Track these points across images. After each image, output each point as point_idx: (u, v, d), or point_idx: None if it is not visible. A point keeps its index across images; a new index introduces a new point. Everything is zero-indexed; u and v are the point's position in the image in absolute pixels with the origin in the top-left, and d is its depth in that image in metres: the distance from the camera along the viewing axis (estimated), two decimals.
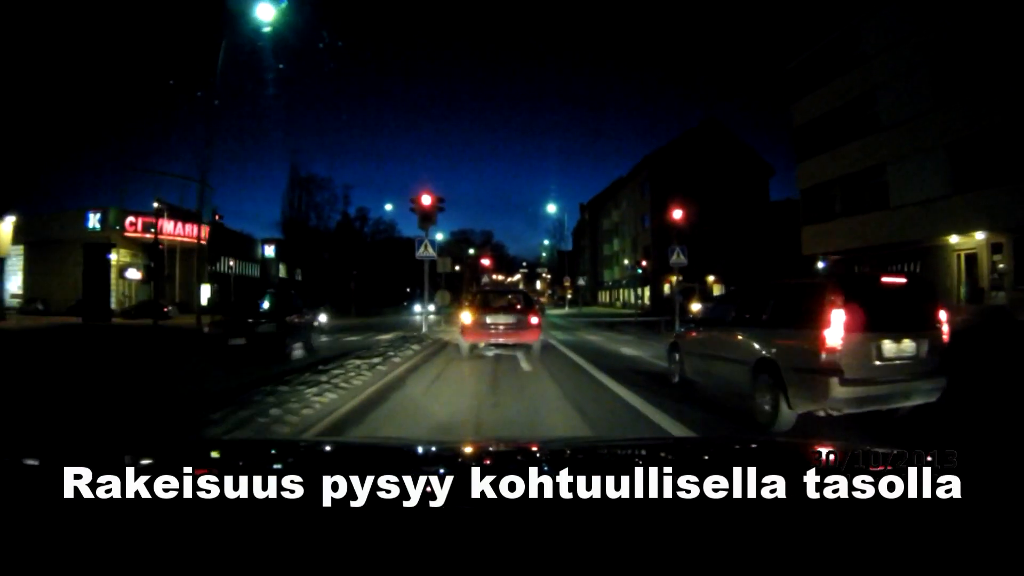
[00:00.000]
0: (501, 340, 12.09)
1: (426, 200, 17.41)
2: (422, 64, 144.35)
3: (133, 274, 49.05)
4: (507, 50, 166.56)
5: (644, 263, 37.68)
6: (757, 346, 6.17)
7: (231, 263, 44.83)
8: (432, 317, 24.52)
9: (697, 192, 41.33)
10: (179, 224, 49.29)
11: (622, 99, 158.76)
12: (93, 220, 49.51)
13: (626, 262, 57.77)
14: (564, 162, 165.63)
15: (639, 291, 50.57)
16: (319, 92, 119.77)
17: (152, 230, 49.49)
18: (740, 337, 6.65)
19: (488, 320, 11.98)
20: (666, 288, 46.55)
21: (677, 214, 19.75)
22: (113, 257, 48.20)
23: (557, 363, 11.60)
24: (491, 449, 2.25)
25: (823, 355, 5.31)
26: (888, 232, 23.55)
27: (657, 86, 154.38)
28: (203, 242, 51.06)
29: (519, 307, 12.85)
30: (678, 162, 45.91)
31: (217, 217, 37.00)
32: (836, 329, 5.31)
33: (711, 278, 43.74)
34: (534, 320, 12.10)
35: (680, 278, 22.57)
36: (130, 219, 49.05)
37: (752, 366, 6.10)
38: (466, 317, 12.07)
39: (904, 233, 22.80)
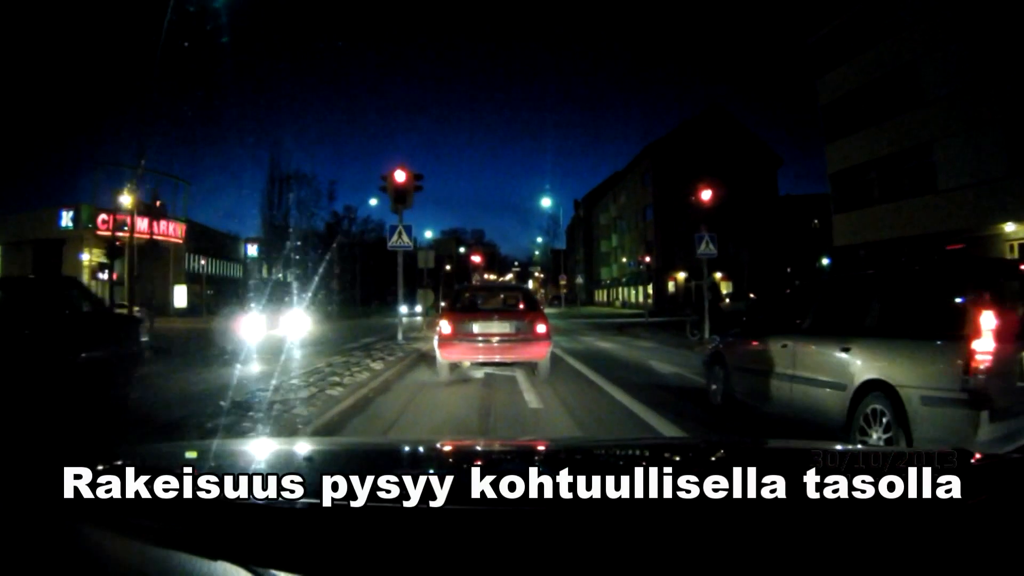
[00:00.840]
0: (496, 358, 8.33)
1: (400, 176, 13.58)
2: (411, 60, 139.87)
3: (106, 275, 45.67)
4: (498, 45, 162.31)
5: (648, 259, 34.06)
6: (859, 363, 4.62)
7: (202, 261, 40.74)
8: (419, 319, 20.75)
9: (702, 183, 37.75)
10: (153, 221, 45.79)
11: (617, 93, 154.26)
12: (66, 218, 46.45)
13: (624, 259, 54.07)
14: (557, 160, 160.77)
15: (641, 289, 46.92)
16: (304, 87, 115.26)
17: (124, 228, 46.08)
18: (828, 351, 4.98)
19: (476, 328, 8.21)
20: (671, 285, 43.00)
21: (705, 195, 16.01)
22: (85, 257, 44.82)
23: (576, 390, 7.89)
24: (491, 449, 2.19)
25: (968, 378, 3.80)
26: (934, 219, 20.36)
27: (654, 80, 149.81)
28: (177, 240, 47.41)
29: (519, 309, 9.09)
30: (682, 151, 42.16)
31: (157, 204, 32.93)
32: (986, 340, 3.83)
33: (719, 275, 40.19)
34: (541, 328, 8.32)
35: (682, 274, 18.97)
36: (102, 217, 44.97)
37: (852, 392, 4.59)
38: (444, 324, 8.28)
39: (953, 220, 19.52)
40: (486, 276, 71.99)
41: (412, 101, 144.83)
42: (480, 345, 8.11)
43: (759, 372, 5.76)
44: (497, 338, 8.13)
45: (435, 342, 8.37)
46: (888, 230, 21.93)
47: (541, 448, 2.15)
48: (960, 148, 19.32)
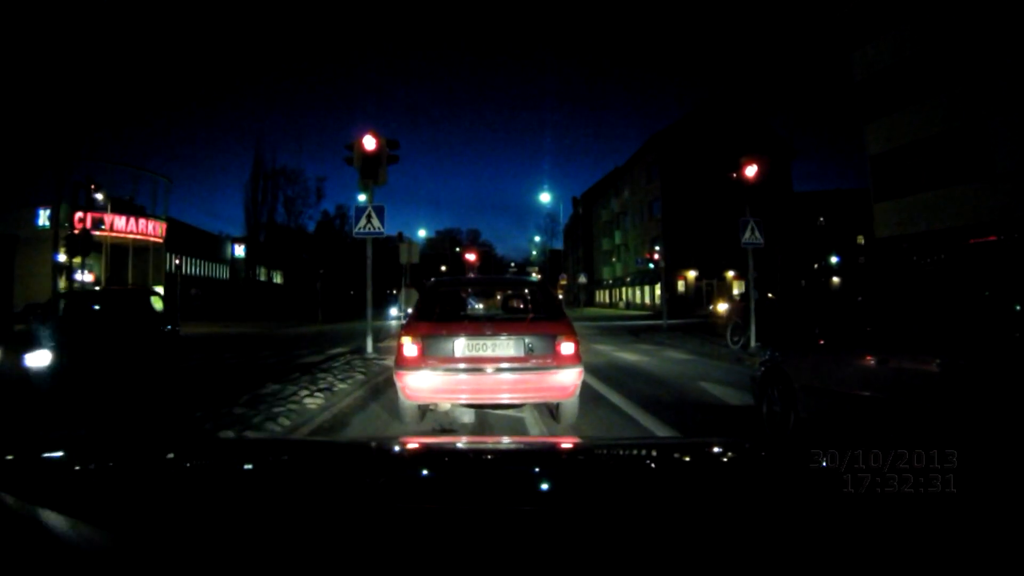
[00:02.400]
0: (497, 397, 5.06)
1: (369, 143, 10.39)
2: (407, 57, 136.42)
3: (83, 276, 42.45)
4: (494, 44, 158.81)
5: (656, 256, 30.86)
6: None
7: (176, 261, 37.49)
8: (394, 323, 17.43)
9: (712, 176, 34.51)
10: (131, 220, 42.60)
11: (616, 89, 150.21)
12: (43, 217, 43.47)
13: (627, 258, 50.77)
14: (554, 160, 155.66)
15: (647, 289, 43.59)
16: (294, 83, 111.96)
17: (100, 226, 42.82)
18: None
19: (460, 349, 4.96)
20: (680, 285, 39.74)
21: (750, 171, 12.83)
22: (61, 258, 41.70)
23: None
24: (491, 448, 2.05)
25: None
26: (993, 207, 17.25)
27: (654, 75, 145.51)
28: (157, 239, 44.11)
29: (530, 315, 5.86)
30: (690, 142, 38.88)
31: (92, 187, 29.79)
32: None
33: (731, 274, 37.07)
34: (567, 347, 4.98)
35: (692, 273, 15.56)
36: (78, 215, 41.53)
37: None
38: (407, 343, 4.98)
39: (1013, 208, 16.58)
40: None
41: (407, 99, 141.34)
42: (467, 377, 4.86)
43: (857, 399, 4.32)
44: (496, 365, 4.88)
45: (394, 371, 5.11)
46: (940, 220, 18.90)
47: (542, 447, 2.10)
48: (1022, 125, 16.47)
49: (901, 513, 1.01)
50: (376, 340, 11.79)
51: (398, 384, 5.03)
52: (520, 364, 4.88)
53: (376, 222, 10.26)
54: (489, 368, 4.86)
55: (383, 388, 7.47)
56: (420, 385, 4.89)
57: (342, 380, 7.51)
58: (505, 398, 4.99)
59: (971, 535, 0.97)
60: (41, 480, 1.13)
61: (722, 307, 31.48)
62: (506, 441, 2.41)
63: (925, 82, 18.99)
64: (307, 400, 6.15)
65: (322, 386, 6.95)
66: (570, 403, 5.13)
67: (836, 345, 4.90)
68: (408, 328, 5.09)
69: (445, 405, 5.28)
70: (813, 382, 4.85)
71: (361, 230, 10.31)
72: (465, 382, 4.86)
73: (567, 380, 4.95)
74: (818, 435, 4.53)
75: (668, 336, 16.91)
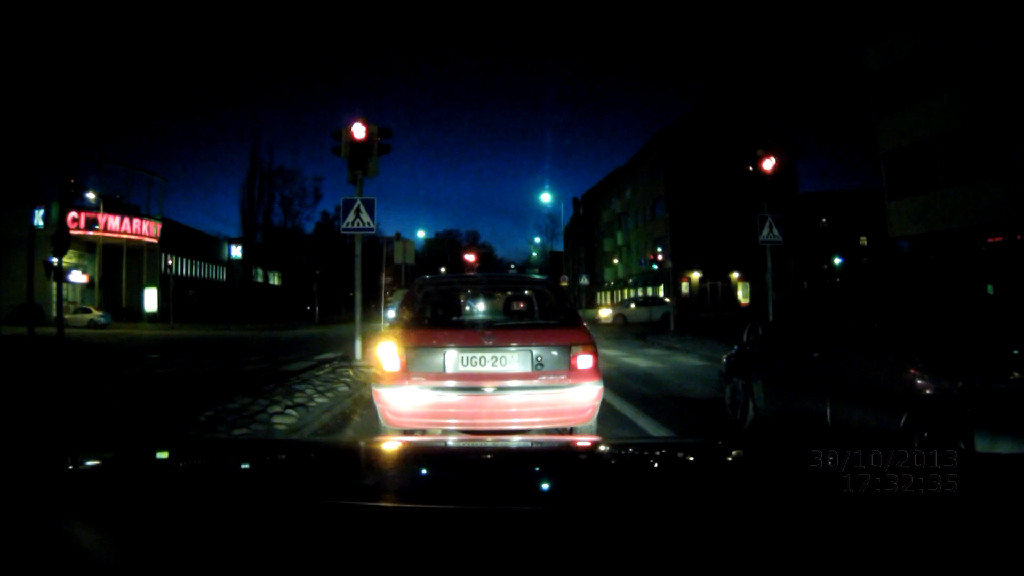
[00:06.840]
0: (504, 423, 4.03)
1: (358, 132, 9.49)
2: (405, 57, 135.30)
3: (77, 277, 41.58)
4: (493, 45, 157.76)
5: (660, 257, 30.01)
6: None
7: (169, 262, 36.62)
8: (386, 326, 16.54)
9: (717, 175, 33.68)
10: (125, 220, 41.68)
11: (616, 89, 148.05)
12: (38, 217, 42.65)
13: (629, 258, 49.87)
14: (555, 161, 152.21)
15: (651, 291, 42.64)
16: (290, 81, 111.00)
17: (95, 226, 41.88)
18: None
19: (452, 364, 4.03)
20: (684, 286, 38.82)
21: (768, 164, 11.88)
22: (53, 260, 40.83)
23: None
24: (491, 448, 1.99)
25: None
26: (1010, 206, 16.32)
27: (655, 75, 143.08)
28: (152, 239, 43.20)
29: (537, 321, 4.97)
30: (695, 139, 37.98)
31: (71, 180, 28.96)
32: None
33: (736, 275, 36.19)
34: (584, 360, 4.03)
35: (697, 274, 14.51)
36: (72, 215, 40.73)
37: None
38: (388, 355, 4.02)
39: None
40: None
41: (406, 99, 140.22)
42: (460, 398, 3.95)
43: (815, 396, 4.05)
44: (497, 383, 3.96)
45: (372, 388, 4.19)
46: (958, 218, 18.03)
47: (543, 447, 2.06)
48: None
49: (894, 509, 0.99)
50: (366, 345, 10.89)
51: (377, 405, 4.12)
52: (527, 382, 3.96)
53: (365, 217, 9.36)
54: (488, 387, 3.94)
55: (367, 403, 6.55)
56: (402, 407, 3.97)
57: (322, 393, 6.59)
58: (508, 424, 4.03)
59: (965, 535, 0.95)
60: None
61: (604, 312, 30.42)
62: (506, 441, 2.41)
63: (943, 76, 18.14)
64: (276, 419, 5.24)
65: (298, 400, 6.04)
66: (586, 429, 4.19)
67: (782, 339, 4.99)
68: (390, 335, 4.17)
69: (435, 432, 4.37)
70: (766, 375, 4.94)
71: (349, 226, 9.41)
72: (458, 404, 3.94)
73: (584, 401, 4.03)
74: (771, 427, 4.61)
75: (677, 339, 16.01)
